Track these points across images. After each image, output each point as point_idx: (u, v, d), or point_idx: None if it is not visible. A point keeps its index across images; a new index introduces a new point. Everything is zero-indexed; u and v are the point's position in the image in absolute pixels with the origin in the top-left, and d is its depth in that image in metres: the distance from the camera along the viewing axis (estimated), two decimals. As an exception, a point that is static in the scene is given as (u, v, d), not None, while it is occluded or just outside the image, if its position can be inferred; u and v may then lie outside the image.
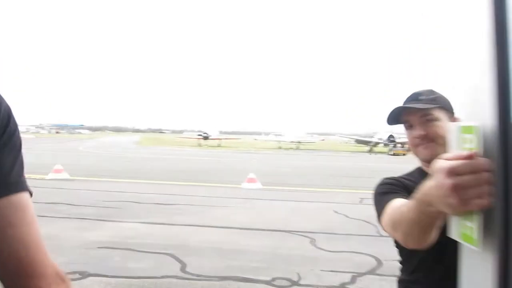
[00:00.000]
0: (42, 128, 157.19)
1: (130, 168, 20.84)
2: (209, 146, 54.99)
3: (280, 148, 56.69)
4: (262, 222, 8.49)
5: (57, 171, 15.04)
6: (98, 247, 6.28)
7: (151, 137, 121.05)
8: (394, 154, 46.60)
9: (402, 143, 46.37)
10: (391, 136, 52.00)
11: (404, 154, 43.69)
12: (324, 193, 13.39)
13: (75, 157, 27.35)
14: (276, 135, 74.04)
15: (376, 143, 57.60)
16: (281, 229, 7.92)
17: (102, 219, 8.39)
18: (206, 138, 56.82)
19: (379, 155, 46.40)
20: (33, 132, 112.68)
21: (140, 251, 6.19)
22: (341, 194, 13.12)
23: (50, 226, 7.13)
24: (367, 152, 54.39)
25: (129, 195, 11.52)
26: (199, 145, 56.54)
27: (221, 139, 63.31)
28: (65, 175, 14.94)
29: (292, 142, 57.20)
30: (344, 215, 9.56)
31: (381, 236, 6.53)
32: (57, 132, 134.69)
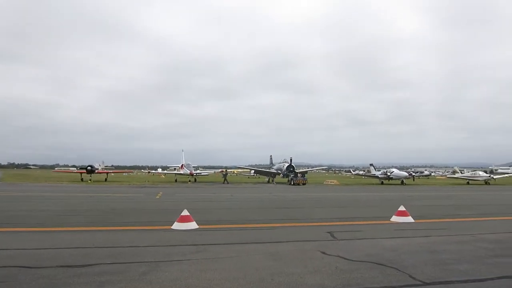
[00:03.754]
0: None
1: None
2: (94, 181, 47.97)
3: (176, 181, 52.60)
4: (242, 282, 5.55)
5: None
6: None
7: (16, 172, 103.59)
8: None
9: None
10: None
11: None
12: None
13: None
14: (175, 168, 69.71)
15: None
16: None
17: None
18: (91, 171, 49.38)
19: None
20: None
21: None
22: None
23: None
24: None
25: (13, 253, 7.36)
26: (82, 180, 49.03)
27: (109, 172, 56.22)
28: None
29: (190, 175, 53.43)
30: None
31: None
32: None
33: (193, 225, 11.02)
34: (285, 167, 54.31)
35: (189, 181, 51.30)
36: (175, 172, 58.50)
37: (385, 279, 5.90)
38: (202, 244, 8.53)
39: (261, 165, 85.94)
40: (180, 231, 10.44)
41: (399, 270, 6.39)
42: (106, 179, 51.58)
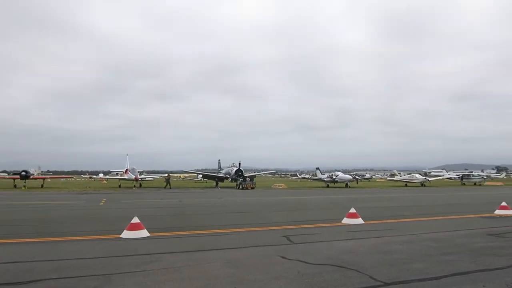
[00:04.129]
0: None
1: None
2: (29, 188, 44.59)
3: (120, 186, 50.43)
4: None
5: None
6: None
7: None
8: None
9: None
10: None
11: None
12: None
13: None
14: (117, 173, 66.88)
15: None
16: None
17: None
18: (25, 177, 45.82)
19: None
20: None
21: None
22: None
23: None
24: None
25: None
26: (15, 186, 45.40)
27: (46, 178, 52.56)
28: None
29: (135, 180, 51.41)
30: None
31: None
32: None
33: (144, 233, 10.48)
34: (233, 171, 54.13)
35: (134, 186, 49.40)
36: (119, 177, 56.04)
37: (348, 281, 5.92)
38: (156, 253, 8.10)
39: (207, 169, 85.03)
40: (131, 239, 9.88)
41: (360, 272, 6.46)
42: (42, 185, 48.17)
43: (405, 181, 64.09)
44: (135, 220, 10.69)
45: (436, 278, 6.11)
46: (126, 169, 53.75)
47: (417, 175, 66.16)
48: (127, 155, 58.80)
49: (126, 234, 10.32)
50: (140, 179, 51.67)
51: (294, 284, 5.81)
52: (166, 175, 54.08)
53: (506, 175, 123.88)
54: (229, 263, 7.18)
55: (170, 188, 46.89)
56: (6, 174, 60.88)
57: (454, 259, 7.52)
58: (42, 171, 56.60)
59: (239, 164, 54.29)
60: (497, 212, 16.03)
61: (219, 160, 69.73)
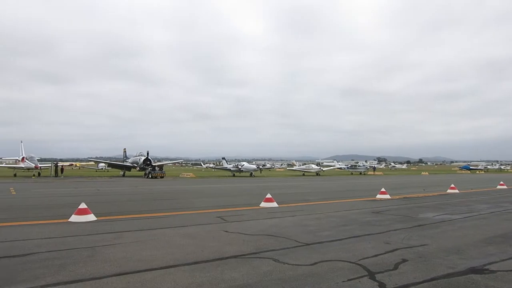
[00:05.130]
0: None
1: None
2: None
3: (15, 175, 46.71)
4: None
5: None
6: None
7: None
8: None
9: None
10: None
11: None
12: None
13: None
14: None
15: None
16: (224, 258, 6.85)
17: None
18: None
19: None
20: None
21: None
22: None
23: None
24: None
25: None
26: None
27: None
28: None
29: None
30: (244, 234, 9.16)
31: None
32: None
33: (91, 217, 11.52)
34: (141, 160, 53.89)
35: (34, 175, 46.30)
36: (15, 166, 51.63)
37: (281, 244, 8.15)
38: (116, 232, 9.44)
39: (102, 157, 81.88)
40: (82, 223, 10.89)
41: (287, 238, 8.76)
42: None
43: (303, 171, 70.39)
44: (83, 205, 11.65)
45: (340, 239, 8.69)
46: (23, 157, 49.81)
47: (313, 166, 73.03)
48: (21, 142, 54.27)
49: (74, 218, 11.26)
50: (40, 168, 48.52)
51: (244, 246, 7.85)
52: (56, 162, 52.95)
53: (385, 166, 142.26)
54: (186, 236, 8.93)
55: (57, 176, 46.22)
56: None
57: (350, 228, 10.31)
58: None
59: (147, 153, 54.26)
60: (378, 196, 20.11)
61: (125, 148, 68.18)
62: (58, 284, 5.27)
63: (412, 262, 6.65)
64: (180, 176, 57.16)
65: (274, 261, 6.64)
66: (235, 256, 6.97)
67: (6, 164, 63.55)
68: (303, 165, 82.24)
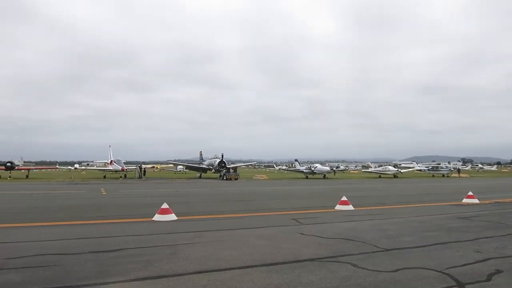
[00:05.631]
0: None
1: None
2: (14, 178, 44.77)
3: (105, 177, 51.22)
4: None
5: None
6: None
7: None
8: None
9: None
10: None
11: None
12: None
13: None
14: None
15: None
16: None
17: None
18: (10, 168, 45.94)
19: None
20: None
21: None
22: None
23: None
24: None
25: (35, 245, 8.04)
26: (0, 177, 45.44)
27: (31, 168, 52.64)
28: None
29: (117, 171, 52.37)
30: (320, 237, 9.02)
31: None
32: None
33: (173, 216, 12.17)
34: (216, 162, 55.76)
35: (120, 177, 50.32)
36: (104, 168, 56.66)
37: (358, 248, 7.88)
38: (197, 231, 9.86)
39: (181, 160, 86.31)
40: (164, 222, 11.56)
41: (365, 243, 8.45)
42: (27, 176, 48.43)
43: (379, 173, 67.56)
44: (165, 205, 12.36)
45: (423, 246, 8.17)
46: (111, 160, 54.46)
47: (390, 167, 69.82)
48: (110, 146, 59.39)
49: (158, 217, 11.98)
50: (125, 170, 52.65)
51: (320, 249, 7.73)
52: (141, 165, 56.85)
53: (471, 167, 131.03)
54: (262, 237, 9.03)
55: (141, 178, 49.61)
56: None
57: (434, 234, 9.64)
58: (24, 162, 56.46)
59: (222, 155, 55.96)
60: (465, 200, 18.56)
61: (201, 151, 71.14)
62: (146, 278, 5.63)
63: (508, 273, 6.02)
64: (253, 178, 58.15)
65: (353, 266, 6.43)
66: (311, 259, 6.89)
67: (97, 166, 69.77)
68: (379, 166, 79.08)
